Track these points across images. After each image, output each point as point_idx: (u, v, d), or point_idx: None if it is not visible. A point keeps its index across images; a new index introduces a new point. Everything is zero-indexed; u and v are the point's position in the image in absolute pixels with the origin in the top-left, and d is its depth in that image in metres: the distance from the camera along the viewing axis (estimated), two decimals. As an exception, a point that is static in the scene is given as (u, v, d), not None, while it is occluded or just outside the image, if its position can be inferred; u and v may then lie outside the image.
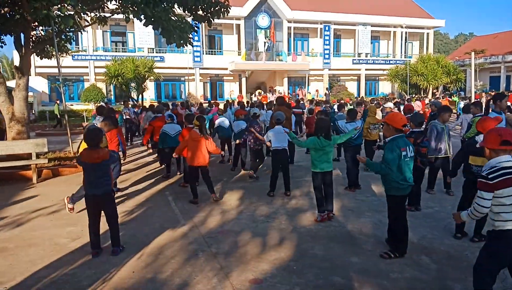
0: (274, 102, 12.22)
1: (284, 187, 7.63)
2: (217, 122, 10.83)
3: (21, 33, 10.65)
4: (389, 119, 4.71)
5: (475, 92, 24.66)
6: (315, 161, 5.99)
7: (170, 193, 7.97)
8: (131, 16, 10.23)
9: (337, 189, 7.81)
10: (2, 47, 11.66)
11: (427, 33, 40.73)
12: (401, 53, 39.97)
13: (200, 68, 33.70)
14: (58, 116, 22.35)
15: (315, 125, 6.22)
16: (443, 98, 25.42)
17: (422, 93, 34.17)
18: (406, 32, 39.22)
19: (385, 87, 40.70)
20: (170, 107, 14.63)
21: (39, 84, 28.36)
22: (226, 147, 11.07)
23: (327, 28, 36.75)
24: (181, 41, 10.74)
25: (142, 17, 9.59)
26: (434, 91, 35.49)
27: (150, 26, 10.00)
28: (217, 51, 35.85)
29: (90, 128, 5.21)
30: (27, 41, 10.69)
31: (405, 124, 4.81)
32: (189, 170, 7.53)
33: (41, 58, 13.07)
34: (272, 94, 32.98)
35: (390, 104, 16.15)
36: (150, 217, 6.42)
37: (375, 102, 17.72)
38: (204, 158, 7.09)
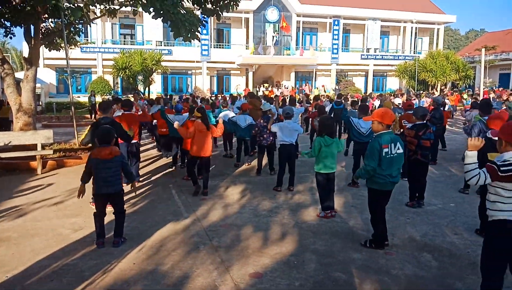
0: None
1: (288, 182, 7.61)
2: (219, 116, 10.80)
3: (31, 25, 10.70)
4: (379, 116, 4.68)
5: (483, 89, 24.30)
6: (319, 161, 5.94)
7: (173, 186, 7.99)
8: (140, 9, 10.22)
9: (341, 185, 7.80)
10: (11, 38, 11.74)
11: (438, 29, 40.23)
12: (410, 48, 39.60)
13: (207, 62, 33.65)
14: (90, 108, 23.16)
15: (319, 125, 6.22)
16: (451, 95, 25.18)
17: (430, 89, 33.86)
18: (416, 28, 38.78)
19: (393, 83, 40.39)
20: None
21: (47, 75, 28.48)
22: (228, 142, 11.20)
23: (336, 23, 36.45)
24: (189, 35, 10.70)
25: (151, 10, 9.58)
26: (443, 87, 35.14)
27: (159, 19, 9.97)
28: (225, 45, 35.77)
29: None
30: (36, 32, 10.73)
31: (394, 119, 4.79)
32: (189, 159, 7.54)
33: (50, 50, 13.14)
34: (278, 89, 32.92)
35: (398, 100, 16.05)
36: (152, 210, 6.45)
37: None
38: (208, 149, 7.21)
